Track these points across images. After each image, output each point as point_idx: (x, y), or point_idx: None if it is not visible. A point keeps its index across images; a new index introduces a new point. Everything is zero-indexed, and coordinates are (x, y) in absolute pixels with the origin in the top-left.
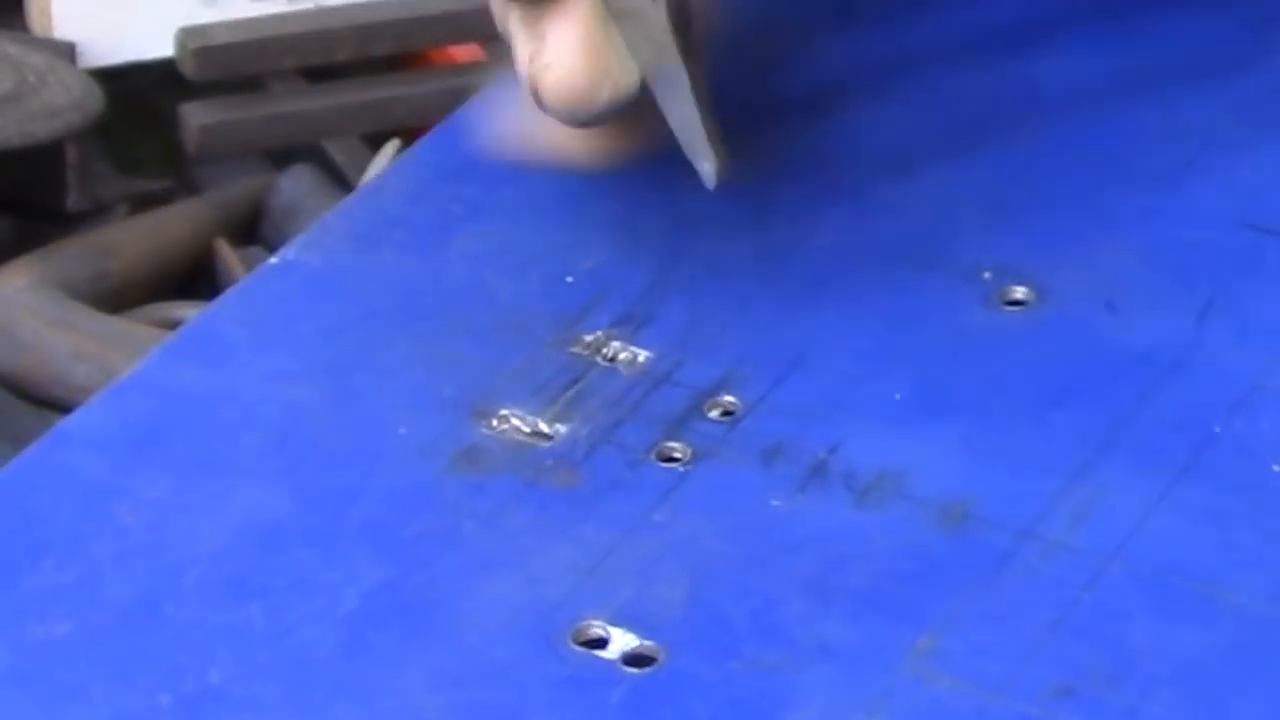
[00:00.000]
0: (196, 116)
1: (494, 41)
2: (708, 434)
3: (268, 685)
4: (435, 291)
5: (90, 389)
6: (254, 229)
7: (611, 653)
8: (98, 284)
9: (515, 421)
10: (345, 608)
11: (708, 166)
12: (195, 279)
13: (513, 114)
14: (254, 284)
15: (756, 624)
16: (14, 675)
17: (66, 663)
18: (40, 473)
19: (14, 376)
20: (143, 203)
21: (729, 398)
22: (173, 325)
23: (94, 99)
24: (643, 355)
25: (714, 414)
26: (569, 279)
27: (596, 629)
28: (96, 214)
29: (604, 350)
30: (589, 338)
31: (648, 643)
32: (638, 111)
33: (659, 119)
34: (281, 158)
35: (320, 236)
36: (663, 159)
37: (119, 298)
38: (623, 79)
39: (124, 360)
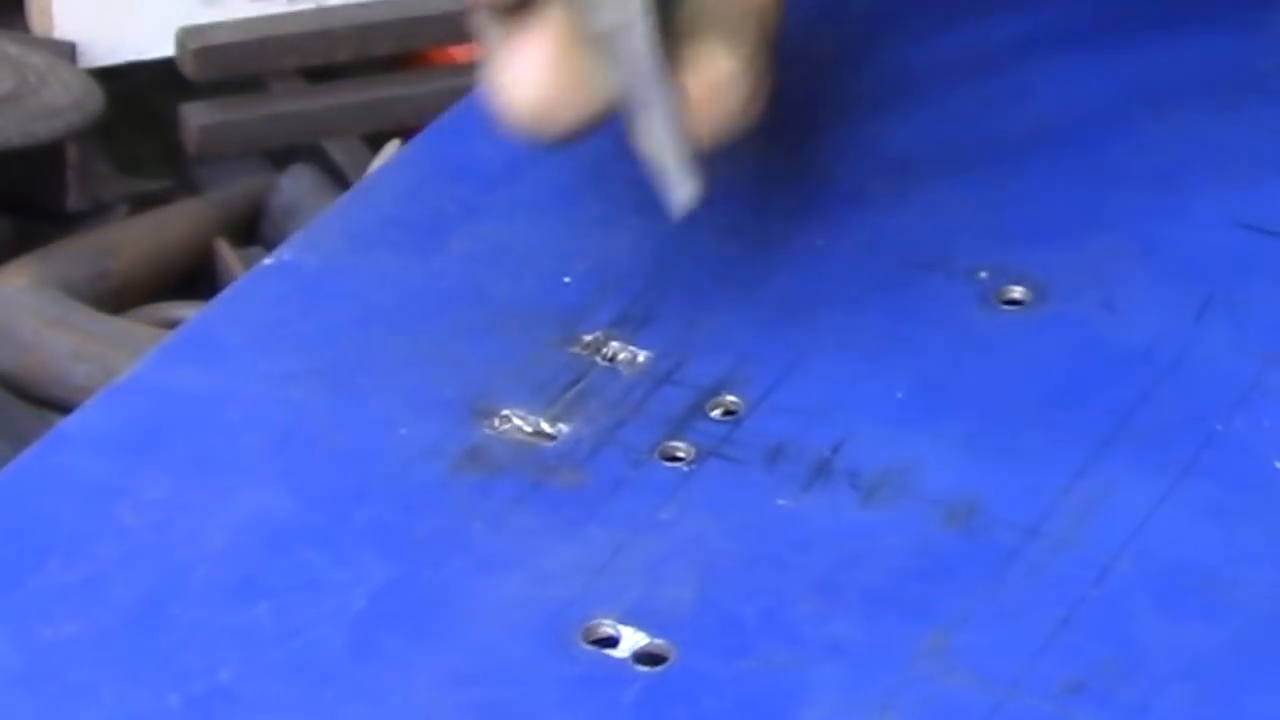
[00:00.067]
0: (196, 116)
1: None
2: (711, 433)
3: (278, 685)
4: (432, 292)
5: (90, 389)
6: (254, 229)
7: (622, 651)
8: (98, 284)
9: (517, 421)
10: (354, 607)
11: (679, 195)
12: (195, 279)
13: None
14: (250, 285)
15: (767, 622)
16: (23, 676)
17: (75, 663)
18: (41, 474)
19: (14, 376)
20: (143, 203)
21: (731, 397)
22: (173, 325)
23: (94, 99)
24: (643, 355)
25: (716, 414)
26: (567, 279)
27: (607, 628)
28: (96, 214)
29: (604, 350)
30: (588, 338)
31: (658, 641)
32: None
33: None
34: (281, 158)
35: (316, 237)
36: None
37: (119, 298)
38: (588, 102)
39: (124, 360)
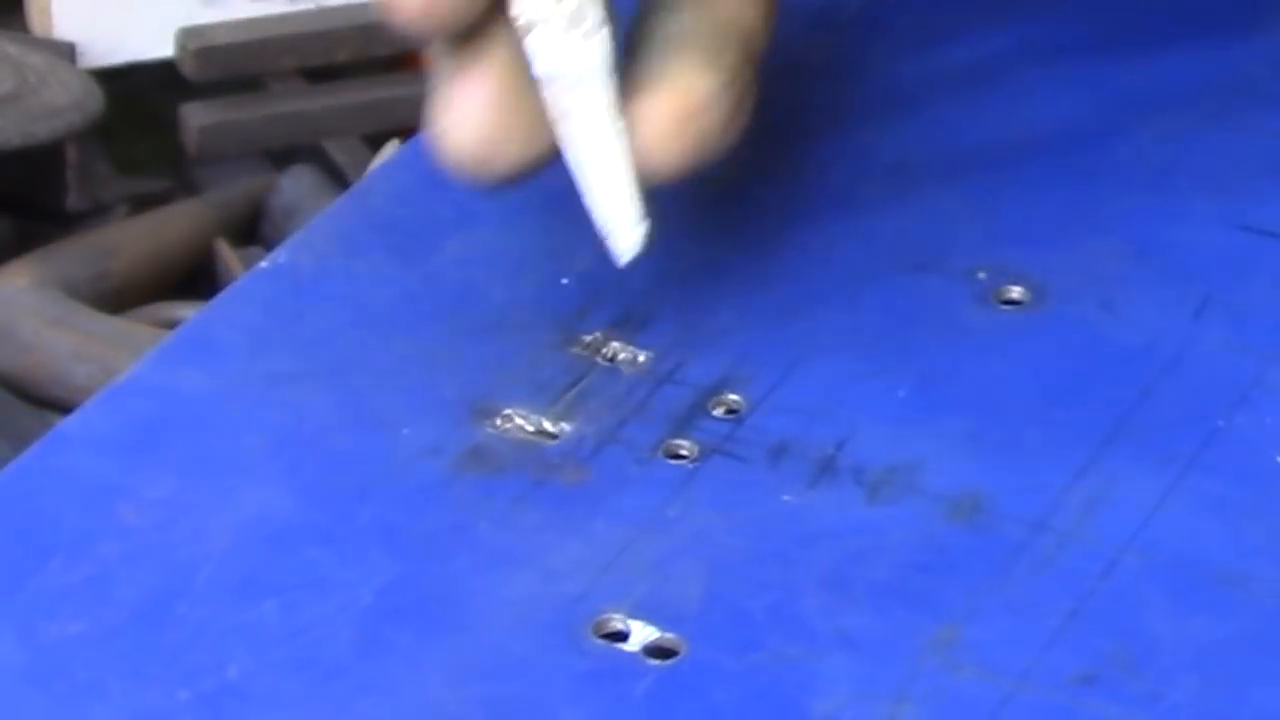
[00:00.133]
0: (196, 116)
1: None
2: (714, 431)
3: (287, 681)
4: (429, 294)
5: (91, 389)
6: (254, 229)
7: (633, 645)
8: (98, 284)
9: (519, 421)
10: (361, 604)
11: (623, 243)
12: (195, 279)
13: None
14: (247, 287)
15: (776, 616)
16: (30, 674)
17: (81, 661)
18: (42, 474)
19: (14, 377)
20: (143, 203)
21: (733, 396)
22: (173, 325)
23: (94, 99)
24: (643, 355)
25: (718, 412)
26: (564, 280)
27: (616, 622)
28: (96, 214)
29: (604, 351)
30: (588, 338)
31: (669, 635)
32: None
33: None
34: (281, 158)
35: (311, 240)
36: None
37: (119, 298)
38: (523, 150)
39: (124, 360)
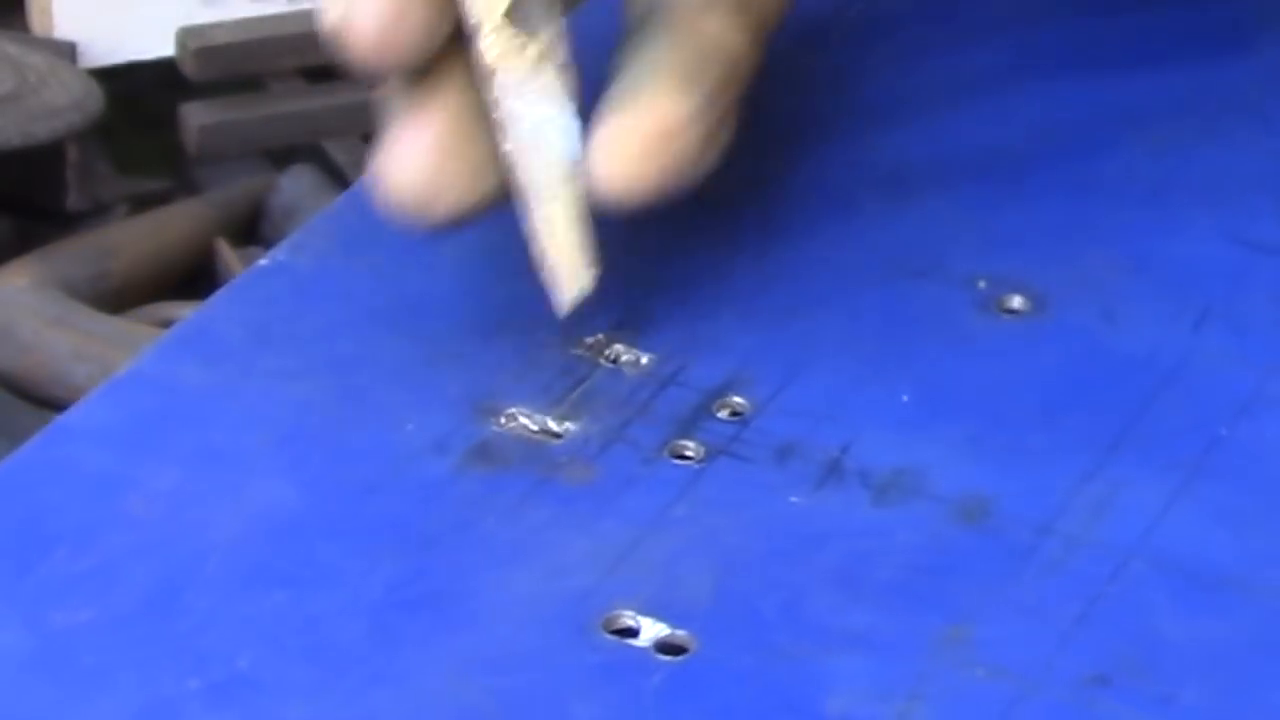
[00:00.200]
0: (196, 116)
1: None
2: (719, 433)
3: (298, 671)
4: (429, 294)
5: (90, 389)
6: (254, 229)
7: (643, 641)
8: (98, 284)
9: (523, 420)
10: (371, 596)
11: (568, 292)
12: (195, 279)
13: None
14: (246, 284)
15: (787, 614)
16: (39, 661)
17: (90, 649)
18: (43, 466)
19: (14, 376)
20: (143, 203)
21: (737, 399)
22: (172, 325)
23: (94, 99)
24: (645, 357)
25: (723, 414)
26: None
27: (626, 619)
28: (96, 214)
29: (606, 352)
30: (589, 340)
31: (679, 632)
32: None
33: None
34: (281, 158)
35: (310, 239)
36: None
37: (119, 298)
38: (463, 196)
39: (124, 360)
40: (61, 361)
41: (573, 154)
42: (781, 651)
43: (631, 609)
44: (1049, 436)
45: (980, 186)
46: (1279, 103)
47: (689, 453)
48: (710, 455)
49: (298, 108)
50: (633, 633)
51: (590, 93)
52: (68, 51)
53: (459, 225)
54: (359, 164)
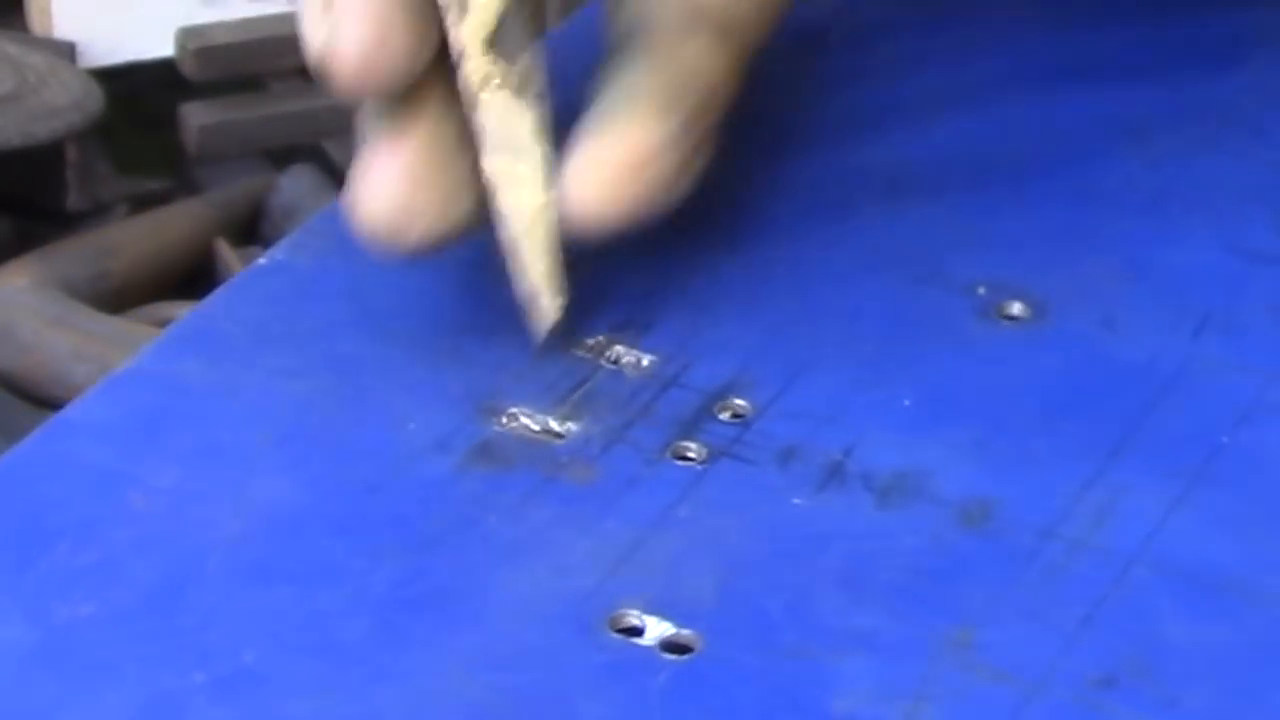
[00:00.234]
0: (196, 116)
1: None
2: (721, 434)
3: (304, 666)
4: (428, 294)
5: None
6: (254, 229)
7: (648, 640)
8: (98, 284)
9: (525, 420)
10: (375, 593)
11: (543, 317)
12: (195, 279)
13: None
14: (245, 283)
15: (792, 614)
16: (42, 653)
17: (95, 643)
18: (44, 460)
19: (14, 376)
20: (143, 203)
21: (738, 401)
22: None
23: (94, 99)
24: (647, 359)
25: (724, 416)
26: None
27: (632, 618)
28: (96, 214)
29: (607, 354)
30: (590, 341)
31: (684, 631)
32: None
33: None
34: (281, 158)
35: (309, 238)
36: None
37: (119, 298)
38: (434, 224)
39: (124, 360)
40: (61, 361)
41: (546, 184)
42: (787, 651)
43: (636, 608)
44: (1050, 442)
45: (979, 193)
46: (1275, 116)
47: (691, 454)
48: (712, 457)
49: (298, 108)
50: (638, 632)
51: (571, 112)
52: (68, 51)
53: (433, 251)
54: None
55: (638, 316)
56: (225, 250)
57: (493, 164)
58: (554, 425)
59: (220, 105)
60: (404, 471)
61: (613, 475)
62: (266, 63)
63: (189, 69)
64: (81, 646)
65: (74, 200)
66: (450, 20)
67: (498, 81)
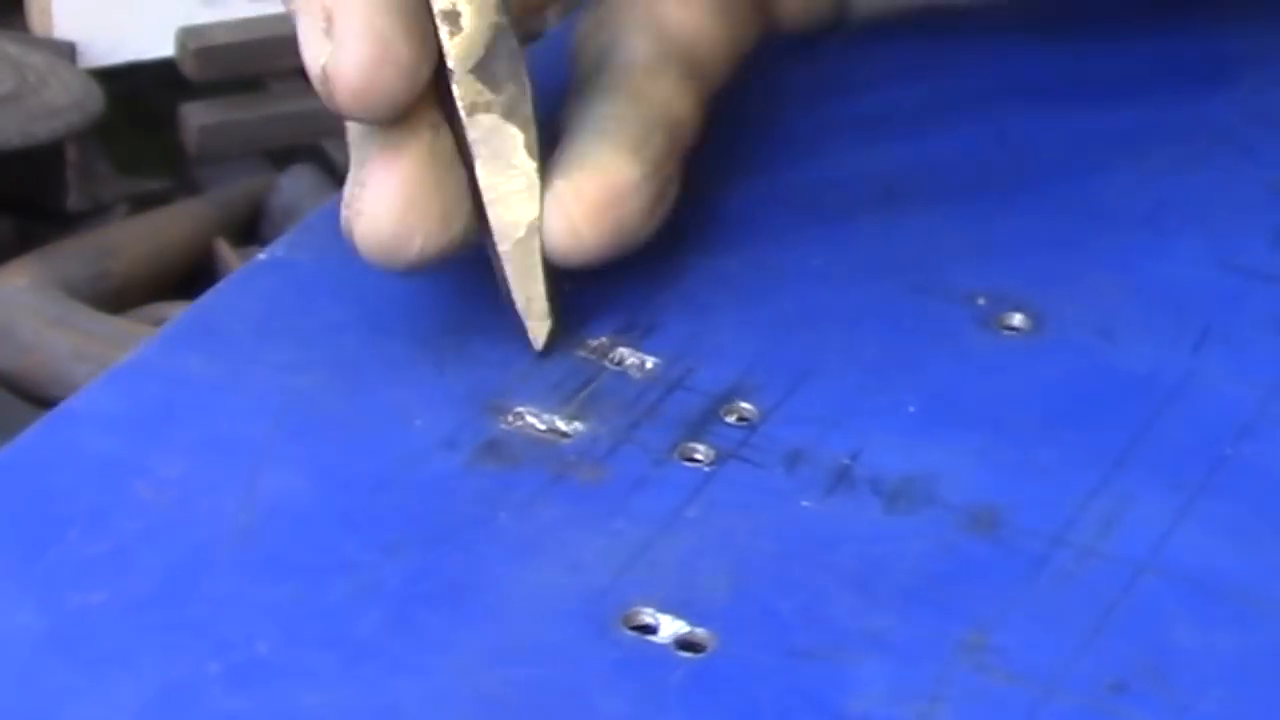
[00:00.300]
0: (196, 116)
1: None
2: (728, 437)
3: (318, 658)
4: (429, 293)
5: None
6: (254, 229)
7: (663, 638)
8: (98, 284)
9: (530, 419)
10: (388, 587)
11: (538, 331)
12: (195, 279)
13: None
14: (245, 279)
15: (806, 615)
16: (54, 641)
17: (108, 631)
18: (49, 449)
19: (14, 376)
20: (143, 203)
21: (744, 404)
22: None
23: (94, 99)
24: (651, 361)
25: (731, 419)
26: (565, 286)
27: (646, 616)
28: (96, 214)
29: (611, 355)
30: (594, 342)
31: (699, 630)
32: None
33: None
34: (281, 158)
35: (309, 236)
36: None
37: (119, 298)
38: (429, 240)
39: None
40: (61, 361)
41: (532, 209)
42: (802, 651)
43: (649, 606)
44: (1055, 450)
45: (975, 204)
46: (1264, 134)
47: (698, 456)
48: (720, 459)
49: (298, 108)
50: (651, 629)
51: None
52: (68, 51)
53: (426, 267)
54: None
55: (640, 320)
56: (225, 250)
57: (483, 182)
58: (560, 425)
59: (220, 105)
60: (412, 468)
61: (621, 475)
62: (266, 63)
63: (189, 69)
64: (94, 635)
65: (74, 200)
66: (443, 37)
67: (486, 105)
